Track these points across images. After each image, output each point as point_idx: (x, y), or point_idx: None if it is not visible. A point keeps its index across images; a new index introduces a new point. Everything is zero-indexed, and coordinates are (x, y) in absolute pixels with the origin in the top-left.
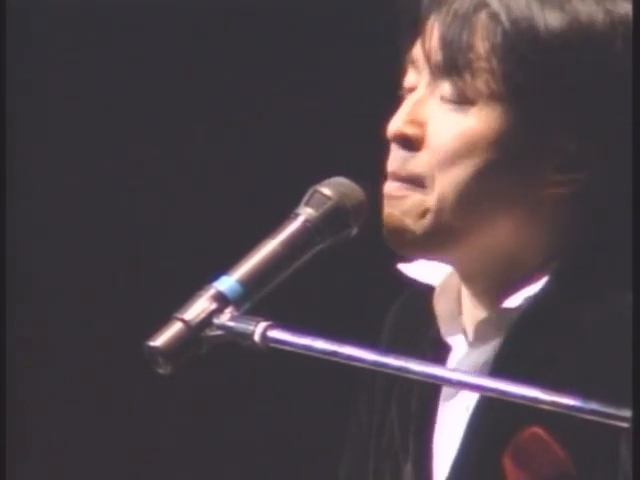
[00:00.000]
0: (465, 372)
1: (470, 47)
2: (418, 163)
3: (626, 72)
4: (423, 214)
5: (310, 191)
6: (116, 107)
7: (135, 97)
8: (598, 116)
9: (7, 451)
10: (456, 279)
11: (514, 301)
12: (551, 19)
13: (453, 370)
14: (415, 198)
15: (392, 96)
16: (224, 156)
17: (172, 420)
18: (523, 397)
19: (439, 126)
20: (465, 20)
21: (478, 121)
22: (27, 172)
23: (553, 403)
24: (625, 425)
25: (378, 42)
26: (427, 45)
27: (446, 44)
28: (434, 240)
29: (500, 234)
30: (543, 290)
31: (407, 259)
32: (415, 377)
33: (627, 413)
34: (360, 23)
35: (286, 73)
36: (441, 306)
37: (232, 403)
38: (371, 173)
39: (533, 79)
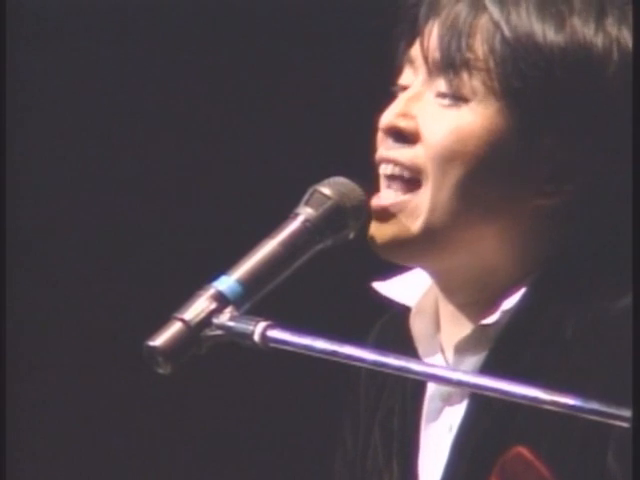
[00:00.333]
0: (465, 372)
1: (469, 47)
2: (414, 154)
3: (618, 92)
4: (416, 218)
5: (310, 191)
6: (116, 107)
7: (136, 97)
8: (590, 130)
9: (7, 451)
10: (431, 298)
11: (493, 317)
12: (550, 32)
13: (453, 370)
14: (407, 204)
15: (393, 96)
16: (224, 156)
17: (172, 420)
18: (523, 397)
19: (432, 121)
20: (465, 23)
21: (471, 118)
22: (27, 172)
23: (553, 403)
24: (625, 425)
25: (380, 42)
26: (426, 44)
27: (445, 43)
28: (426, 243)
29: (485, 247)
30: (522, 302)
31: (382, 277)
32: (416, 377)
33: (627, 413)
34: (360, 23)
35: (287, 73)
36: (417, 326)
37: (232, 403)
38: (371, 173)
39: (528, 86)
